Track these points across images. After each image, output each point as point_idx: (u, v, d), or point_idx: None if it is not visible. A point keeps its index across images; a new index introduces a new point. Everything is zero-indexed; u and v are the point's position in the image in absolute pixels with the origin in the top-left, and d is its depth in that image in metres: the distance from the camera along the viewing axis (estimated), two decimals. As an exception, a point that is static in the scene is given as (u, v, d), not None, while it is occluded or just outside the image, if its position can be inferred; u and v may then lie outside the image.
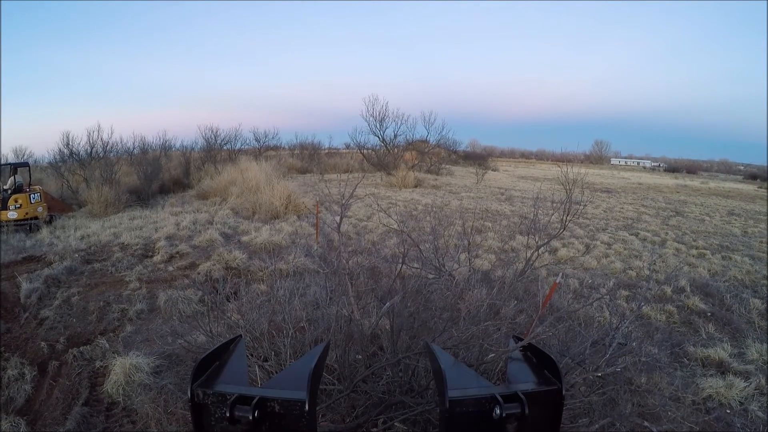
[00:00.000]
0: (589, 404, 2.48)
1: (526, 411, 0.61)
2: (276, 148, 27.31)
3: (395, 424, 2.31)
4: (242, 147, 23.34)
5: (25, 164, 9.96)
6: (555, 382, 0.68)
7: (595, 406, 2.48)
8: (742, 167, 66.62)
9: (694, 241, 9.14)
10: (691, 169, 57.12)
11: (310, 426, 0.62)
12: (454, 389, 0.65)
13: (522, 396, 0.63)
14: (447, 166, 25.98)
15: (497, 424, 0.62)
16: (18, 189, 9.09)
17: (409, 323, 2.61)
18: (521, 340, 0.91)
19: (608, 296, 5.16)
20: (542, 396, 0.66)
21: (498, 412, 0.62)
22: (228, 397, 0.62)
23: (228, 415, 0.60)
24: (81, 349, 3.70)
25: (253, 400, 0.61)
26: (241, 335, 0.88)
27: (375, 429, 2.34)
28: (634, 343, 3.53)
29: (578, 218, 9.40)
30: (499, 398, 0.63)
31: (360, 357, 2.70)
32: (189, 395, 0.64)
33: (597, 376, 2.30)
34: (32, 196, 9.05)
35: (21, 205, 8.83)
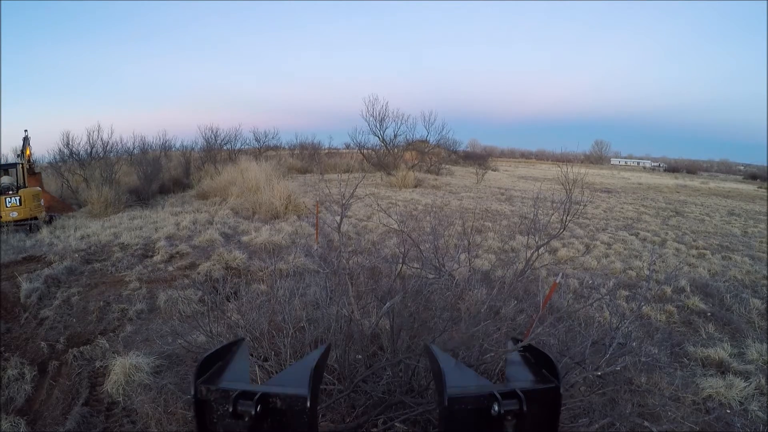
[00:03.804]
0: (589, 404, 2.48)
1: (524, 408, 0.62)
2: (276, 148, 27.34)
3: (395, 424, 2.31)
4: (242, 147, 23.44)
5: (15, 165, 9.84)
6: (553, 380, 0.69)
7: (595, 406, 2.48)
8: (742, 167, 66.63)
9: (694, 241, 9.14)
10: (691, 169, 57.13)
11: (311, 422, 0.62)
12: (453, 387, 0.66)
13: (520, 393, 0.63)
14: (447, 166, 25.99)
15: (496, 421, 0.62)
16: (4, 191, 9.03)
17: (409, 323, 2.61)
18: (520, 341, 0.91)
19: (608, 296, 5.16)
20: (540, 393, 0.67)
21: (496, 408, 0.62)
22: (231, 392, 0.63)
23: (231, 410, 0.61)
24: (81, 349, 3.70)
25: (256, 395, 0.62)
26: (243, 338, 0.88)
27: (375, 429, 2.34)
28: (633, 343, 3.53)
29: (578, 218, 9.40)
30: (498, 395, 0.63)
31: (360, 357, 2.70)
32: (192, 391, 0.65)
33: (597, 376, 2.30)
34: (8, 200, 8.86)
35: None
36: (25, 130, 10.70)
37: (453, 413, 0.64)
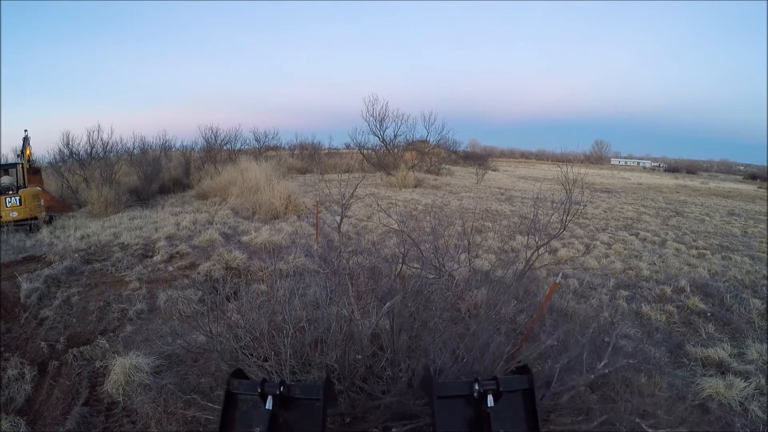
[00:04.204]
0: (588, 402, 2.48)
1: (500, 388, 0.74)
2: (276, 148, 27.32)
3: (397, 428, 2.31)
4: (242, 147, 23.43)
5: (15, 165, 9.85)
6: (526, 374, 0.82)
7: (593, 405, 2.47)
8: (742, 167, 66.64)
9: (694, 241, 9.13)
10: (691, 169, 57.12)
11: (323, 412, 0.74)
12: (441, 382, 0.79)
13: (498, 377, 0.76)
14: (447, 167, 25.98)
15: (478, 401, 0.74)
16: (4, 191, 9.03)
17: (410, 323, 2.61)
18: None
19: (608, 296, 5.16)
20: (516, 382, 0.79)
21: (477, 387, 0.74)
22: (257, 379, 0.77)
23: (260, 390, 0.74)
24: (81, 349, 3.70)
25: (278, 381, 0.76)
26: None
27: (376, 430, 2.34)
28: (629, 348, 3.53)
29: (578, 218, 9.39)
30: (479, 379, 0.75)
31: (360, 357, 2.70)
32: (226, 385, 0.78)
33: (591, 378, 2.29)
34: (8, 200, 8.87)
35: None
36: (25, 130, 10.72)
37: (442, 401, 0.75)
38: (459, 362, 2.39)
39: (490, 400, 0.73)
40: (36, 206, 9.45)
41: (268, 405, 0.72)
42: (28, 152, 10.76)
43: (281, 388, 0.73)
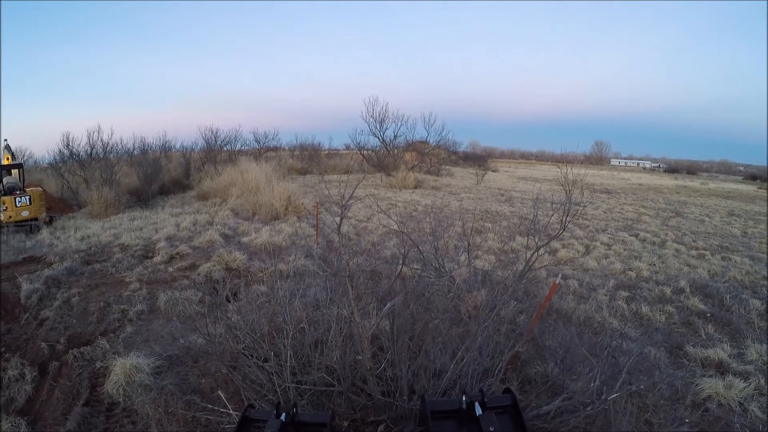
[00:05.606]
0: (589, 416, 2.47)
1: (485, 399, 0.83)
2: (276, 149, 27.33)
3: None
4: (242, 148, 23.42)
5: (18, 166, 9.84)
6: (511, 391, 0.92)
7: (596, 420, 2.46)
8: (741, 168, 66.70)
9: (694, 241, 9.14)
10: (690, 169, 57.16)
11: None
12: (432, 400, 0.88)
13: (483, 390, 0.85)
14: (447, 167, 26.00)
15: (467, 411, 0.83)
16: (9, 191, 9.05)
17: (410, 324, 2.62)
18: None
19: (608, 297, 5.16)
20: (500, 398, 0.88)
21: (464, 399, 0.83)
22: (272, 403, 0.89)
23: (275, 412, 0.83)
24: (81, 349, 3.70)
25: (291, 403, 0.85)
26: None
27: (377, 430, 2.34)
28: (633, 387, 3.52)
29: (578, 219, 9.39)
30: (467, 392, 0.84)
31: (360, 357, 2.70)
32: (243, 411, 0.87)
33: (598, 408, 2.26)
34: (17, 199, 8.91)
35: (6, 207, 8.79)
36: (5, 140, 10.53)
37: (437, 423, 0.83)
38: (459, 363, 2.40)
39: (478, 409, 0.81)
40: (41, 206, 9.50)
41: (282, 418, 0.81)
42: (7, 160, 10.59)
43: (294, 410, 0.82)
